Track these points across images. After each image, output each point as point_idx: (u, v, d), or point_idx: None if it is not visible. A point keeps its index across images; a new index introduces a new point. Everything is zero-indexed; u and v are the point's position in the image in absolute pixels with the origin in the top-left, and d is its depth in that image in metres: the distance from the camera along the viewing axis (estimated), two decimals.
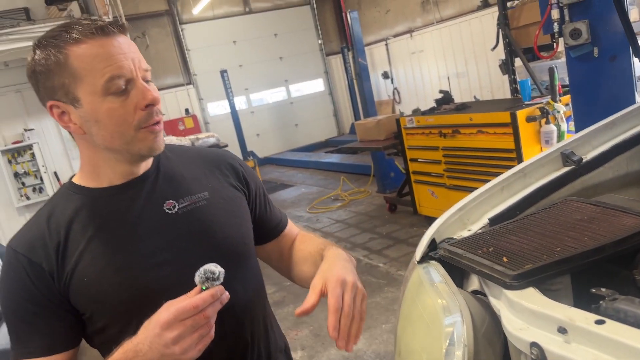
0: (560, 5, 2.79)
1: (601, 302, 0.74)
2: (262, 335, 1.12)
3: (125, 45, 0.91)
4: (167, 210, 1.01)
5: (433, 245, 1.12)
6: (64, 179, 7.55)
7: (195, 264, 0.84)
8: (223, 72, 8.93)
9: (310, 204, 7.02)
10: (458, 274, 1.09)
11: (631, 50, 1.35)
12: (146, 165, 1.03)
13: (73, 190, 1.01)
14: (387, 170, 6.28)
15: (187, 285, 0.83)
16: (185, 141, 6.45)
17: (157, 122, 0.95)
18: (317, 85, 12.16)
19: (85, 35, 0.88)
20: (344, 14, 6.77)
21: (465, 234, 1.13)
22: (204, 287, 0.82)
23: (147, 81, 0.94)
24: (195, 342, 0.81)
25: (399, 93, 10.19)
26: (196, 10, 10.25)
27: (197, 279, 0.82)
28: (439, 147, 4.52)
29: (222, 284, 0.84)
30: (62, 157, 7.30)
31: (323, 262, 1.02)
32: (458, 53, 8.71)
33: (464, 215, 1.20)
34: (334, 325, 0.88)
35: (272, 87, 11.63)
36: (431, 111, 4.79)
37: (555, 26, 2.87)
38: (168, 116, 9.63)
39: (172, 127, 9.49)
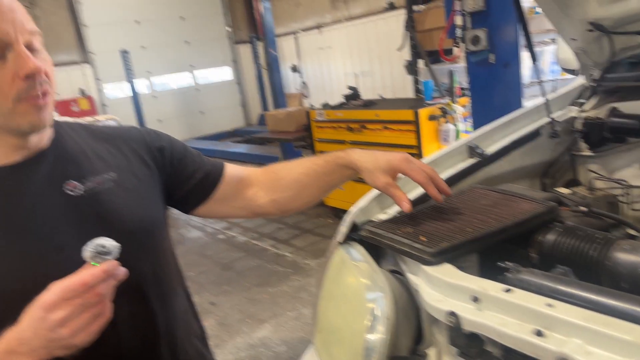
0: (463, 12, 3.02)
1: (507, 273, 0.84)
2: (176, 320, 1.06)
3: (4, 4, 0.80)
4: (68, 192, 0.91)
5: (354, 227, 1.17)
6: None
7: None
8: (124, 53, 8.44)
9: None
10: (374, 255, 1.15)
11: (525, 57, 1.51)
12: (40, 142, 0.91)
13: None
14: None
15: None
16: None
17: (44, 95, 0.84)
18: (224, 74, 11.91)
19: None
20: (255, 2, 6.71)
21: (382, 217, 1.20)
22: (94, 263, 0.73)
23: (33, 49, 0.83)
24: (87, 322, 0.72)
25: (307, 87, 10.32)
26: None
27: (86, 254, 0.74)
28: (347, 140, 4.66)
29: (132, 267, 0.77)
30: None
31: (358, 165, 1.09)
32: (364, 52, 9.01)
33: (380, 200, 1.26)
34: (435, 193, 1.05)
35: (177, 71, 11.20)
36: (340, 106, 4.93)
37: (458, 32, 3.10)
38: (60, 96, 8.90)
39: (65, 108, 8.76)
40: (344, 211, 1.21)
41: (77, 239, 0.83)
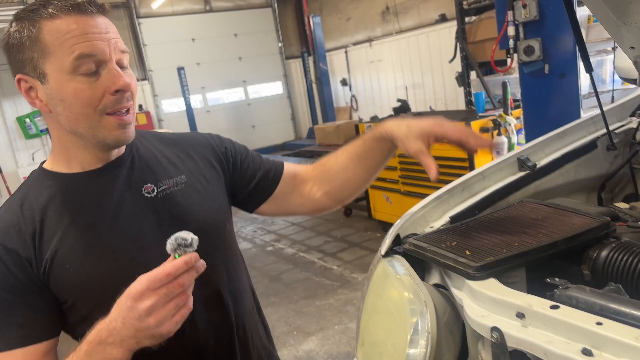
0: (516, 23, 2.95)
1: (555, 290, 0.81)
2: (245, 315, 1.12)
3: (102, 25, 0.89)
4: (146, 194, 1.00)
5: (397, 240, 1.16)
6: (8, 171, 7.19)
7: None
8: (180, 70, 8.79)
9: None
10: (419, 268, 1.13)
11: (583, 67, 1.45)
12: (119, 150, 1.01)
13: (45, 176, 0.98)
14: None
15: None
16: None
17: (127, 111, 0.92)
18: (275, 88, 12.17)
19: (61, 10, 0.86)
20: (306, 18, 6.84)
21: (427, 230, 1.18)
22: (176, 256, 0.78)
23: (123, 67, 0.91)
24: (172, 312, 0.77)
25: (356, 100, 10.35)
26: (155, 5, 10.05)
27: (168, 247, 0.78)
28: (396, 154, 4.63)
29: (207, 264, 0.81)
30: (6, 147, 6.96)
31: (391, 133, 1.10)
32: (415, 64, 8.96)
33: (426, 213, 1.25)
34: (474, 144, 1.03)
35: (230, 87, 11.54)
36: (389, 119, 4.91)
37: (511, 42, 3.03)
38: None
39: None
40: (392, 225, 1.21)
41: (157, 237, 0.95)
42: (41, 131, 7.81)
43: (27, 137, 7.83)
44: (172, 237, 0.79)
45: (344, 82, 10.47)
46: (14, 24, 0.88)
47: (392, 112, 5.05)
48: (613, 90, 3.36)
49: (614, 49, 4.02)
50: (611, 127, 1.50)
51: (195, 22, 10.91)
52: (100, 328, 0.80)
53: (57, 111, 0.90)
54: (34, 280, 0.90)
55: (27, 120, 7.67)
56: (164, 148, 1.09)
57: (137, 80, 10.10)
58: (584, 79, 3.03)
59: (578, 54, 2.84)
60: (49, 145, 7.24)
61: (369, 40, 9.78)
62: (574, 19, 1.42)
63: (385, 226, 4.79)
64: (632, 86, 2.13)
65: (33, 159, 7.89)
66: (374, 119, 4.98)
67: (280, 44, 12.00)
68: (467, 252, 0.95)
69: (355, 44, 10.17)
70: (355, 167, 1.18)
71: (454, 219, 1.22)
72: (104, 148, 0.96)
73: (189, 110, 9.08)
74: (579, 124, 1.54)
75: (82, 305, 0.93)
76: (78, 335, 0.93)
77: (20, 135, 7.83)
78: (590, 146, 1.48)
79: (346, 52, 10.31)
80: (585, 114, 2.83)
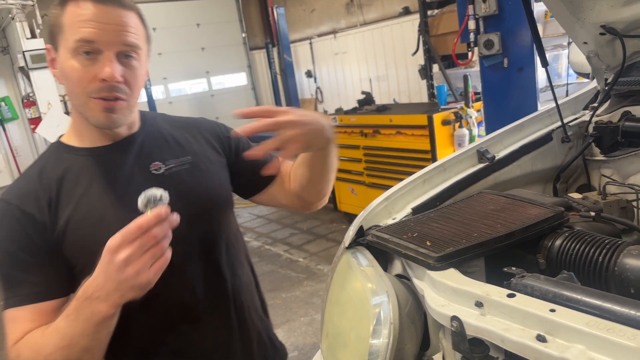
0: (476, 17, 3.00)
1: (512, 279, 0.83)
2: (242, 287, 1.20)
3: (114, 16, 0.96)
4: (153, 171, 1.08)
5: (360, 232, 1.17)
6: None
7: (183, 221, 0.87)
8: None
9: None
10: (383, 259, 1.15)
11: (539, 61, 1.49)
12: (130, 130, 1.10)
13: (62, 149, 1.08)
14: None
15: (175, 238, 0.85)
16: None
17: (112, 99, 0.97)
18: (239, 79, 12.01)
19: None
20: (270, 8, 6.76)
21: (390, 221, 1.20)
22: (148, 211, 0.83)
23: (128, 57, 0.98)
24: (149, 263, 0.82)
25: (321, 92, 10.34)
26: None
27: (139, 203, 0.83)
28: (360, 146, 4.66)
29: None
30: None
31: None
32: (379, 56, 9.00)
33: (389, 205, 1.26)
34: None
35: (193, 77, 11.30)
36: (353, 111, 4.94)
37: (471, 36, 3.09)
38: None
39: None
40: (357, 216, 1.22)
41: None
42: None
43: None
44: (142, 194, 0.83)
45: (308, 74, 10.43)
46: (53, 5, 1.00)
47: (357, 104, 5.08)
48: (568, 84, 3.47)
49: (569, 44, 4.15)
50: (566, 120, 1.56)
51: (156, 10, 10.60)
52: (87, 285, 0.86)
53: (63, 83, 1.00)
54: (48, 243, 0.98)
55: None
56: (173, 130, 1.18)
57: None
58: (541, 73, 3.12)
59: (535, 49, 2.92)
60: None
61: (334, 32, 9.76)
62: (531, 15, 1.46)
63: (351, 218, 4.83)
64: (586, 80, 2.21)
65: None
66: (339, 111, 4.99)
67: (244, 35, 11.83)
68: (428, 243, 0.97)
69: (319, 35, 10.14)
70: (302, 171, 1.19)
71: (415, 210, 1.24)
72: (95, 126, 1.03)
73: (151, 102, 8.87)
74: (535, 116, 1.58)
75: (90, 270, 0.96)
76: None
77: None
78: (546, 138, 1.53)
79: (311, 43, 10.26)
80: (542, 107, 2.92)
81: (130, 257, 0.80)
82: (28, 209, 0.98)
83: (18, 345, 0.93)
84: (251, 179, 1.24)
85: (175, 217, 0.85)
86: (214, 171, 1.17)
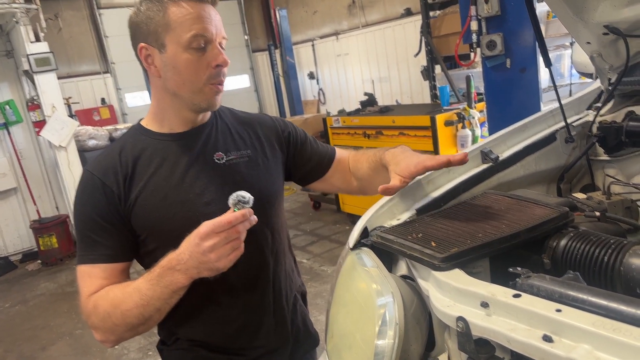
0: (479, 17, 3.00)
1: (517, 279, 0.83)
2: (281, 274, 1.32)
3: (212, 13, 1.13)
4: (216, 160, 1.22)
5: (365, 233, 1.18)
6: None
7: None
8: None
9: None
10: (387, 260, 1.15)
11: (542, 61, 1.49)
12: (203, 119, 1.23)
13: (140, 131, 1.22)
14: None
15: None
16: (102, 132, 6.14)
17: (221, 83, 1.16)
18: (242, 81, 12.02)
19: None
20: (272, 11, 6.78)
21: (394, 222, 1.20)
22: (235, 209, 0.98)
23: (222, 48, 1.14)
24: (228, 252, 0.97)
25: (324, 94, 10.35)
26: None
27: (230, 201, 0.99)
28: (363, 147, 4.66)
29: (256, 228, 1.01)
30: None
31: (390, 157, 1.27)
32: (381, 58, 9.01)
33: (393, 206, 1.26)
34: (455, 157, 1.12)
35: None
36: (356, 112, 4.94)
37: (474, 37, 3.09)
38: (82, 105, 9.09)
39: (87, 117, 8.92)
40: (360, 217, 1.22)
41: (219, 196, 1.16)
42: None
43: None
44: (234, 194, 0.99)
45: (311, 76, 10.44)
46: (143, 4, 1.12)
47: (360, 106, 5.08)
48: (571, 84, 3.47)
49: (571, 44, 4.15)
50: (569, 120, 1.55)
51: None
52: (171, 257, 1.02)
53: (166, 76, 1.12)
54: (120, 213, 1.13)
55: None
56: (237, 124, 1.31)
57: (99, 72, 9.87)
58: (543, 73, 3.12)
59: (538, 49, 2.92)
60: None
61: (336, 33, 9.77)
62: (534, 15, 1.46)
63: (354, 219, 4.83)
64: (589, 80, 2.21)
65: None
66: (342, 113, 4.99)
67: (246, 37, 11.85)
68: (433, 244, 0.97)
69: (322, 37, 10.14)
70: (370, 177, 1.37)
71: (420, 211, 1.24)
72: (195, 110, 1.18)
73: None
74: (539, 117, 1.58)
75: (150, 241, 1.16)
76: (145, 264, 1.20)
77: None
78: (550, 139, 1.53)
79: (313, 45, 10.27)
80: (545, 107, 2.92)
81: (215, 245, 0.96)
82: (108, 182, 1.13)
83: (95, 297, 1.09)
84: (309, 171, 1.40)
85: (255, 218, 0.99)
86: (269, 167, 1.29)
